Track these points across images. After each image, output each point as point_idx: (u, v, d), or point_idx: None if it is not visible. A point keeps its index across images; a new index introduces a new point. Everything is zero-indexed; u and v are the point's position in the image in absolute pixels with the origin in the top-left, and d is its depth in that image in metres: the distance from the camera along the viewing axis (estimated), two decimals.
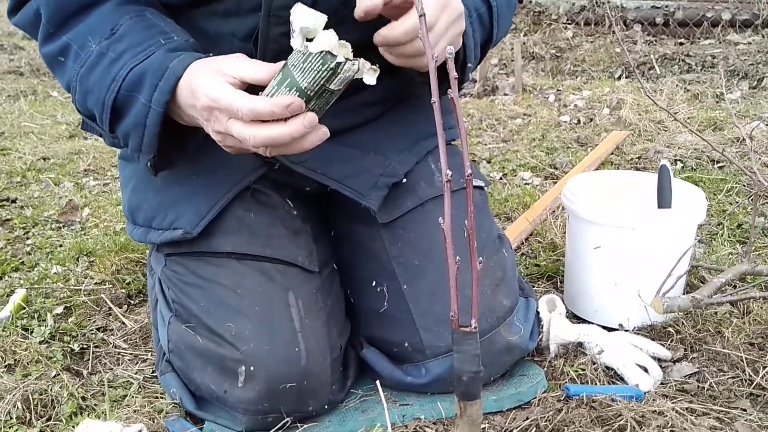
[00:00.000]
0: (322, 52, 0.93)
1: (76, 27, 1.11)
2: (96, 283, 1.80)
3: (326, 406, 1.24)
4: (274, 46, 1.13)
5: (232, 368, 1.17)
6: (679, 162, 2.59)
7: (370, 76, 1.00)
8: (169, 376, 1.29)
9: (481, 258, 0.98)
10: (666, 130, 3.01)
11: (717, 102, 3.42)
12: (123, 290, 1.75)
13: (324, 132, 1.01)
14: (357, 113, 1.28)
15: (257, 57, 1.13)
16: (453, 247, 0.86)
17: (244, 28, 1.15)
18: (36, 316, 1.63)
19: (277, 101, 0.95)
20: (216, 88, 0.99)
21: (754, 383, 1.27)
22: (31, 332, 1.54)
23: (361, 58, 0.99)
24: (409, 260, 1.29)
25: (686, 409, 1.20)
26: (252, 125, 0.97)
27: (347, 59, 0.95)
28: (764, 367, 1.30)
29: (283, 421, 1.18)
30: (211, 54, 1.09)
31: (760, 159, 2.51)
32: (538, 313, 1.40)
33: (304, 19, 0.94)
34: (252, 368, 1.16)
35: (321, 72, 0.94)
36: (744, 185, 2.29)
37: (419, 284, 1.27)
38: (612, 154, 2.76)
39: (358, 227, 1.33)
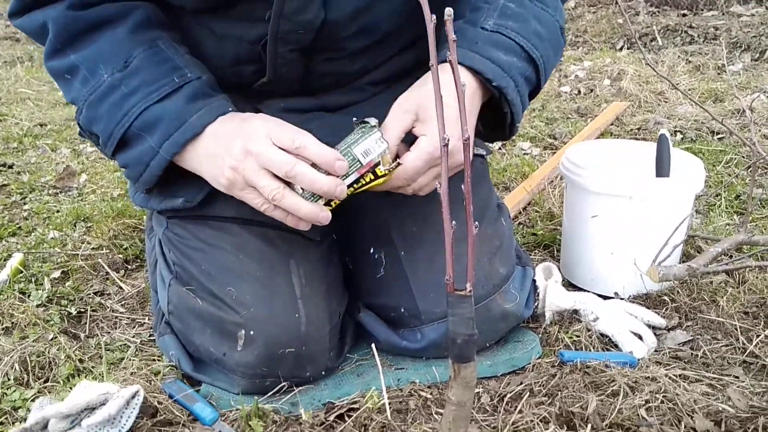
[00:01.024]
0: (364, 122, 1.06)
1: (85, 49, 1.11)
2: (93, 248, 1.80)
3: (323, 373, 1.24)
4: (282, 61, 1.17)
5: (231, 332, 1.18)
6: (678, 133, 2.58)
7: (385, 165, 1.07)
8: (168, 338, 1.29)
9: (476, 223, 0.98)
10: (666, 102, 2.99)
11: (718, 74, 3.40)
12: (120, 255, 1.75)
13: (326, 216, 1.06)
14: (364, 91, 1.28)
15: (267, 67, 1.18)
16: (450, 212, 0.86)
17: (253, 34, 1.16)
18: (33, 280, 1.63)
19: (332, 152, 1.03)
20: (304, 131, 1.05)
21: (748, 351, 1.27)
22: (29, 296, 1.55)
23: (389, 157, 1.07)
24: (408, 228, 1.29)
25: (679, 375, 1.20)
26: (298, 157, 1.02)
27: (380, 131, 1.05)
28: (758, 336, 1.31)
29: (280, 385, 1.19)
30: (231, 108, 1.12)
31: (759, 131, 2.50)
32: (534, 281, 1.40)
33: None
34: (252, 332, 1.16)
35: (355, 134, 1.06)
36: (743, 157, 2.29)
37: (417, 251, 1.27)
38: (612, 124, 2.75)
39: (359, 195, 1.33)
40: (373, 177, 1.08)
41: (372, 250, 1.31)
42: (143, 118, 1.09)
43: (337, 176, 1.03)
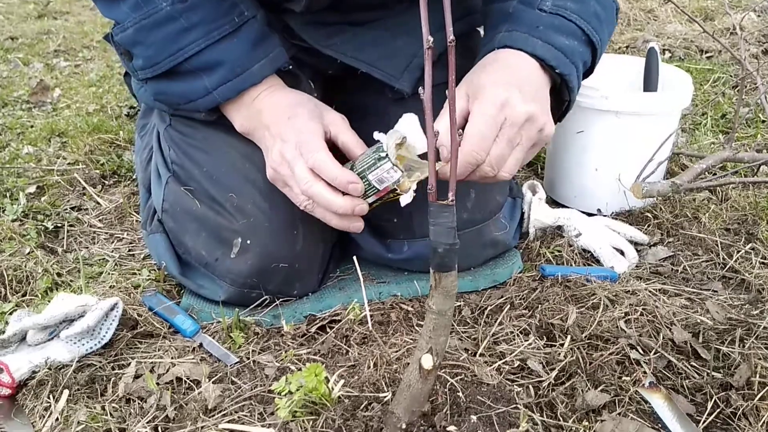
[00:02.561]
0: (380, 142, 0.99)
1: None
2: (69, 163, 1.76)
3: (309, 294, 1.24)
4: (316, 2, 1.14)
5: (227, 238, 1.16)
6: (667, 51, 2.54)
7: (406, 196, 1.00)
8: (159, 236, 1.27)
9: (460, 131, 0.95)
10: (656, 20, 2.93)
11: None
12: (97, 171, 1.71)
13: (357, 227, 1.06)
14: (389, 8, 1.23)
15: (303, 5, 1.13)
16: (433, 120, 0.83)
17: None
18: (8, 195, 1.59)
19: (346, 175, 1.00)
20: (320, 148, 1.03)
21: (728, 266, 1.28)
22: (4, 210, 1.52)
23: (407, 179, 1.00)
24: None
25: (659, 290, 1.21)
26: (317, 177, 1.02)
27: (393, 164, 0.98)
28: (738, 252, 1.31)
29: (263, 299, 1.18)
30: (286, 60, 1.13)
31: (748, 50, 2.46)
32: (522, 213, 1.40)
33: (406, 127, 0.99)
34: (248, 242, 1.15)
35: (370, 157, 1.00)
36: (731, 76, 2.26)
37: None
38: None
39: (369, 103, 1.29)
40: (395, 194, 1.03)
41: None
42: (203, 57, 1.07)
43: (359, 196, 1.02)
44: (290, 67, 1.14)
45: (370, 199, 1.04)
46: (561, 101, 1.12)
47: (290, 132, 1.05)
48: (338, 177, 1.00)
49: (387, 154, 0.98)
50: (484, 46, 1.12)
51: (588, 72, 1.16)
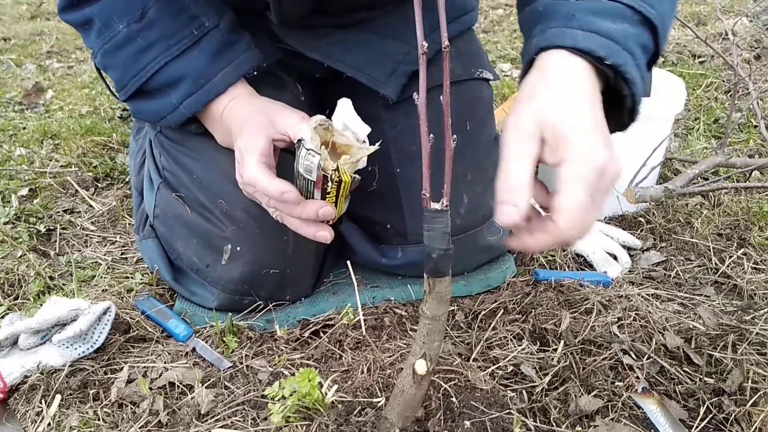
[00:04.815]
0: (301, 138, 0.97)
1: (99, 1, 1.07)
2: (62, 165, 1.75)
3: (302, 299, 1.24)
4: (288, 12, 1.13)
5: (218, 245, 1.16)
6: (659, 57, 2.55)
7: (328, 171, 0.97)
8: (151, 242, 1.27)
9: (454, 136, 0.95)
10: None
11: None
12: (90, 173, 1.71)
13: (323, 235, 1.03)
14: (376, 9, 1.22)
15: (273, 14, 1.12)
16: (427, 125, 0.83)
17: None
18: (0, 197, 1.59)
19: (276, 185, 0.98)
20: (251, 163, 1.00)
21: (720, 272, 1.29)
22: None
23: (329, 161, 0.96)
24: (407, 145, 1.25)
25: (652, 294, 1.22)
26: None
27: (309, 148, 0.95)
28: (730, 257, 1.32)
29: (256, 304, 1.18)
30: (254, 65, 1.11)
31: (740, 55, 2.47)
32: None
33: (345, 116, 0.98)
34: (239, 248, 1.14)
35: (297, 150, 0.98)
36: (723, 81, 2.27)
37: (413, 170, 1.24)
38: None
39: (359, 107, 1.29)
40: (337, 182, 0.98)
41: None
42: (165, 74, 1.07)
43: (295, 203, 0.99)
44: (255, 73, 1.12)
45: (317, 195, 0.99)
46: (620, 99, 0.88)
47: (239, 150, 1.05)
48: (269, 189, 0.98)
49: (301, 138, 0.96)
50: (523, 58, 0.93)
51: (654, 57, 0.93)
